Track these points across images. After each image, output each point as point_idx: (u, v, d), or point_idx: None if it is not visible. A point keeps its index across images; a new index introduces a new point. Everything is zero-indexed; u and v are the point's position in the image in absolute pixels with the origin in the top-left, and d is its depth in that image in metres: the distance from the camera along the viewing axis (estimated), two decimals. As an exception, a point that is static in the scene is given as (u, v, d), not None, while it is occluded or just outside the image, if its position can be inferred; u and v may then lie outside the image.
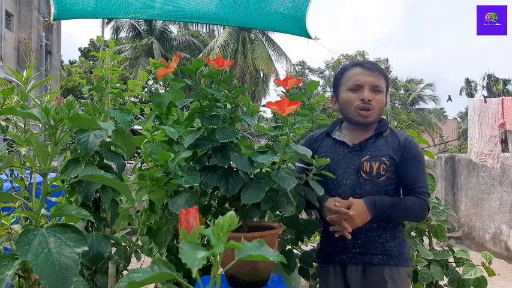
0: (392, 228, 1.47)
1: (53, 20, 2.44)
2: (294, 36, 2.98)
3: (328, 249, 1.52)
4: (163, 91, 1.76)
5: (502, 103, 4.78)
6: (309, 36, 2.82)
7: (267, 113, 20.20)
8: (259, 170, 1.36)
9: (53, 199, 1.74)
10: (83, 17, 2.56)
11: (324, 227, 1.57)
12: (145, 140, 1.55)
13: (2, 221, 1.48)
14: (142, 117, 1.93)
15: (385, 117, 1.72)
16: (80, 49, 25.86)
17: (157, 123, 1.65)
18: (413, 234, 2.19)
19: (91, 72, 19.43)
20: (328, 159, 1.34)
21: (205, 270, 0.80)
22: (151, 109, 1.74)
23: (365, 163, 1.46)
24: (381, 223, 1.45)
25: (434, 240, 2.23)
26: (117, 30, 21.77)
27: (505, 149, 5.10)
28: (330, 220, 1.41)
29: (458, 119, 31.52)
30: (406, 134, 1.59)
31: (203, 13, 2.73)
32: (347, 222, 1.38)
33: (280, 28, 3.07)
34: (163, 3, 2.67)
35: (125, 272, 1.54)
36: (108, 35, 21.06)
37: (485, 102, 4.98)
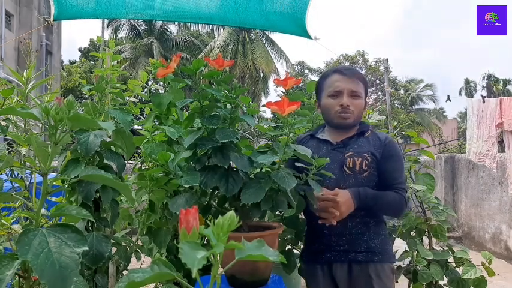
0: (375, 226, 1.51)
1: (53, 20, 2.44)
2: (294, 36, 2.98)
3: (313, 248, 1.54)
4: (163, 91, 1.76)
5: (500, 103, 4.77)
6: (308, 36, 2.82)
7: (267, 113, 20.21)
8: (259, 170, 1.36)
9: (53, 199, 1.74)
10: (83, 17, 2.56)
11: (308, 226, 1.60)
12: (145, 140, 1.55)
13: (2, 221, 1.48)
14: (142, 117, 1.93)
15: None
16: (79, 49, 25.88)
17: (157, 123, 1.65)
18: (413, 234, 2.20)
19: (91, 72, 19.43)
20: (328, 159, 1.35)
21: (205, 270, 0.80)
22: (151, 109, 1.74)
23: (348, 159, 1.51)
24: (364, 219, 1.48)
25: (434, 240, 2.23)
26: (116, 30, 21.77)
27: (503, 149, 5.10)
28: (317, 207, 1.41)
29: (458, 119, 31.51)
30: (387, 134, 1.64)
31: (203, 13, 2.72)
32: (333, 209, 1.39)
33: (280, 28, 3.07)
34: (163, 4, 2.67)
35: (125, 272, 1.54)
36: (108, 35, 21.09)
37: (484, 102, 4.97)
